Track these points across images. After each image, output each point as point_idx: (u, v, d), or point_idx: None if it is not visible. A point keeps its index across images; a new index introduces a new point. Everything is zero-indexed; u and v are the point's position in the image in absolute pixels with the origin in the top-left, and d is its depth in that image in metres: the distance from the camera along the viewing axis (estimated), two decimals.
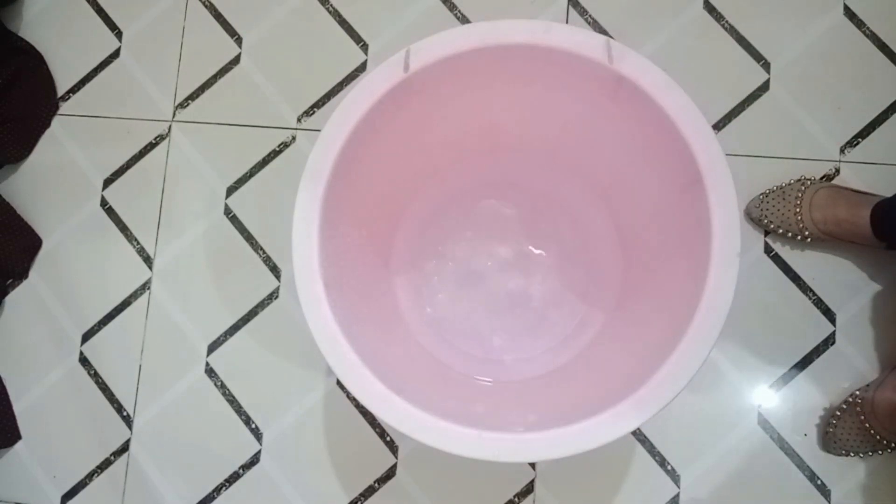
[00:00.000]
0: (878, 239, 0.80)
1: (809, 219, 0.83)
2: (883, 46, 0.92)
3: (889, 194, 0.81)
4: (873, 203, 0.81)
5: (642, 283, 0.79)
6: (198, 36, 1.01)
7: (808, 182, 0.86)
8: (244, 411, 0.92)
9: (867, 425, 0.80)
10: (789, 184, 0.87)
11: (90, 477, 0.93)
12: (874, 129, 0.90)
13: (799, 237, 0.85)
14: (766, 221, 0.86)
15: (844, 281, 0.88)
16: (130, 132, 1.00)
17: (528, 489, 0.87)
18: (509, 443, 0.58)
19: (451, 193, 0.89)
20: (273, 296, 0.94)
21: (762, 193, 0.88)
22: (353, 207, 0.73)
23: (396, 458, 0.89)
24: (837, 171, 0.90)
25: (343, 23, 0.99)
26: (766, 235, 0.89)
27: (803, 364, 0.87)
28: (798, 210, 0.84)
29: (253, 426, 0.92)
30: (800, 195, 0.84)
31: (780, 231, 0.86)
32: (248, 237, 0.96)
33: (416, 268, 0.88)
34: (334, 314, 0.62)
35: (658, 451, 0.87)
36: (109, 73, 1.02)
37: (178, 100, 1.00)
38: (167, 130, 1.00)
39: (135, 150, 1.00)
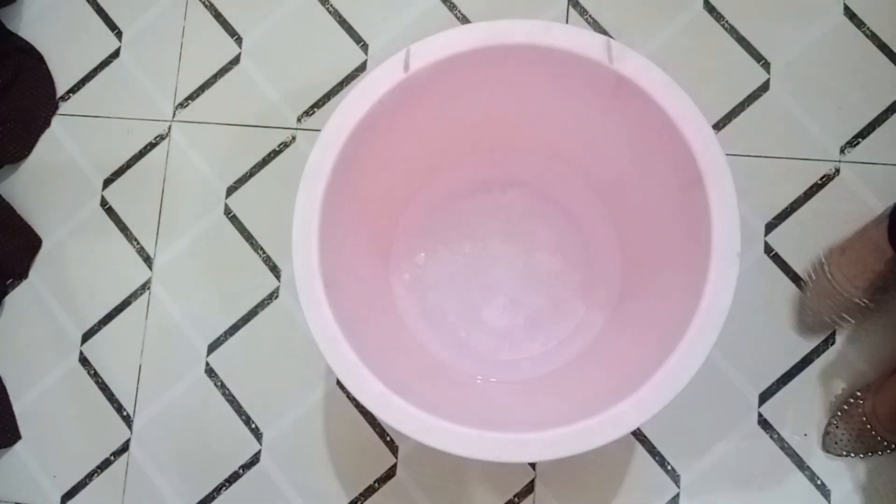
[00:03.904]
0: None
1: (880, 420, 0.80)
2: (883, 46, 0.92)
3: (890, 194, 0.80)
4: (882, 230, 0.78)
5: (642, 283, 0.80)
6: (198, 36, 1.01)
7: (858, 396, 0.83)
8: (244, 411, 0.92)
9: (868, 426, 0.80)
10: (847, 404, 0.83)
11: (90, 477, 0.93)
12: (874, 129, 0.90)
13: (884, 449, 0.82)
14: (845, 453, 0.84)
15: None
16: (130, 132, 1.00)
17: (528, 489, 0.87)
18: (509, 443, 0.58)
19: (451, 193, 0.89)
20: (273, 296, 0.94)
21: (830, 424, 0.84)
22: (353, 208, 0.73)
23: (396, 458, 0.89)
24: (837, 171, 0.90)
25: (343, 23, 0.99)
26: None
27: (803, 364, 0.87)
28: (868, 425, 0.81)
29: (253, 426, 0.92)
30: (860, 407, 0.82)
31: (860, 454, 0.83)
32: (248, 237, 0.96)
33: (415, 267, 0.88)
34: (334, 314, 0.62)
35: (658, 451, 0.87)
36: (109, 73, 1.02)
37: (178, 100, 1.00)
38: (167, 130, 1.00)
39: (135, 150, 1.00)
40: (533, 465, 0.88)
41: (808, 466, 0.85)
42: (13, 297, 0.98)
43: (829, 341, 0.87)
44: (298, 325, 0.93)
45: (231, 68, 1.00)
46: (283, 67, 0.99)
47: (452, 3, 0.98)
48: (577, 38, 0.64)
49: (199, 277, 0.96)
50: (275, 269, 0.95)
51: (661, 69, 0.63)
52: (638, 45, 0.94)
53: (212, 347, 0.94)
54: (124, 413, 0.94)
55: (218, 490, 0.91)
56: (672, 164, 0.66)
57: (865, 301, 0.81)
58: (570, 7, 0.96)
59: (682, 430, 0.86)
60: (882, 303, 0.82)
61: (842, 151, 0.90)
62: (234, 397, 0.93)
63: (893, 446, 0.81)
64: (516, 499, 0.87)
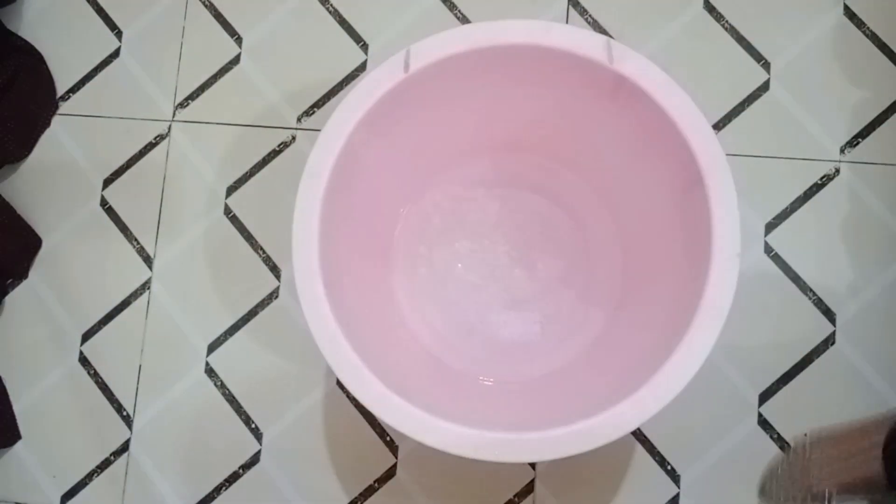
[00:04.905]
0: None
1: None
2: (883, 46, 0.92)
3: (890, 194, 0.80)
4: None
5: (642, 284, 0.80)
6: (198, 36, 1.01)
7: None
8: (244, 411, 0.92)
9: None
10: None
11: (90, 477, 0.93)
12: (874, 129, 0.90)
13: None
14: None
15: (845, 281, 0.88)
16: (130, 132, 1.00)
17: (528, 489, 0.87)
18: (509, 443, 0.58)
19: (451, 193, 0.89)
20: (273, 296, 0.94)
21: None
22: (354, 207, 0.73)
23: (396, 458, 0.89)
24: (837, 171, 0.90)
25: (343, 23, 0.99)
26: None
27: (803, 364, 0.87)
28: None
29: (253, 426, 0.92)
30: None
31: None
32: (248, 237, 0.96)
33: (415, 267, 0.88)
34: (334, 314, 0.62)
35: (658, 451, 0.87)
36: (109, 73, 1.02)
37: (178, 100, 1.00)
38: (167, 130, 1.00)
39: (135, 150, 1.00)
40: (533, 465, 0.88)
41: None
42: (13, 297, 0.98)
43: (829, 341, 0.87)
44: (298, 325, 0.93)
45: (231, 68, 1.00)
46: (283, 67, 0.99)
47: (452, 3, 0.98)
48: (577, 39, 0.64)
49: (199, 277, 0.96)
50: (275, 269, 0.95)
51: (661, 69, 0.63)
52: (638, 45, 0.93)
53: (212, 347, 0.94)
54: (124, 413, 0.94)
55: (218, 490, 0.91)
56: (672, 164, 0.66)
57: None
58: (570, 7, 0.96)
59: (682, 430, 0.86)
60: None
61: (842, 151, 0.90)
62: (234, 397, 0.93)
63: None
64: (516, 499, 0.87)
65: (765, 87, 0.92)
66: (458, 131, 0.82)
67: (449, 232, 0.88)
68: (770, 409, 0.86)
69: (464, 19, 0.98)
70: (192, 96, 1.00)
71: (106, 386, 0.95)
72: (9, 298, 0.98)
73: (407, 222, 0.89)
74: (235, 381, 0.93)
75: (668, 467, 0.86)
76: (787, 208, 0.90)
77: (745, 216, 0.90)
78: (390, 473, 0.89)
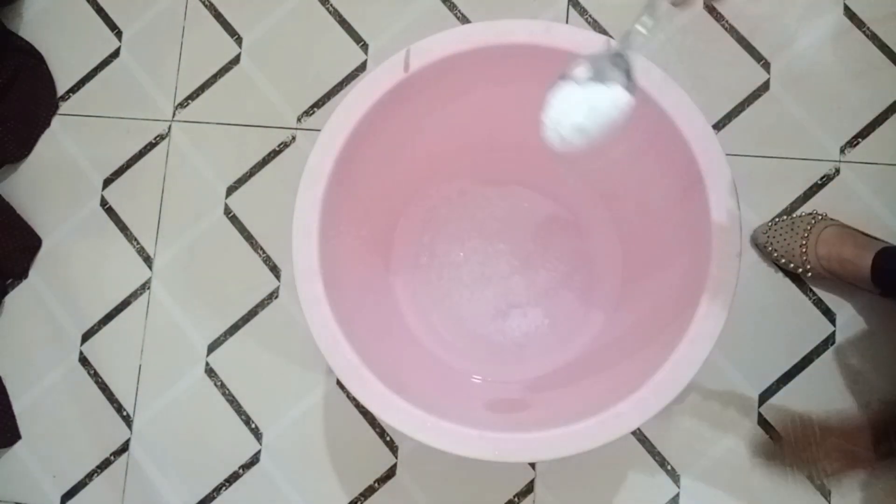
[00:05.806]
0: (874, 284, 0.79)
1: (814, 254, 0.83)
2: (883, 46, 0.92)
3: (890, 194, 0.81)
4: (878, 248, 0.79)
5: (642, 283, 0.80)
6: (198, 36, 1.01)
7: (819, 217, 0.85)
8: (244, 411, 0.92)
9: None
10: (800, 216, 0.86)
11: (90, 477, 0.93)
12: (874, 129, 0.90)
13: (801, 270, 0.85)
14: (770, 249, 0.86)
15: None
16: (130, 132, 1.00)
17: (528, 489, 0.87)
18: (509, 443, 0.58)
19: (451, 193, 0.89)
20: (273, 296, 0.94)
21: (771, 220, 0.88)
22: (353, 207, 0.73)
23: (396, 458, 0.89)
24: (837, 171, 0.90)
25: (343, 23, 0.99)
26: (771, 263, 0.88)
27: (803, 364, 0.87)
28: (804, 243, 0.83)
29: (253, 426, 0.92)
30: (808, 228, 0.84)
31: (783, 261, 0.85)
32: (248, 237, 0.96)
33: (415, 267, 0.88)
34: (334, 314, 0.62)
35: (658, 451, 0.87)
36: (109, 73, 1.02)
37: (178, 100, 1.00)
38: (167, 130, 1.00)
39: (135, 150, 1.00)
40: (533, 465, 0.88)
41: None
42: (13, 297, 0.98)
43: (829, 341, 0.87)
44: (298, 325, 0.93)
45: (231, 68, 1.00)
46: (283, 67, 0.99)
47: (452, 3, 0.98)
48: (577, 38, 0.64)
49: (199, 277, 0.96)
50: (275, 269, 0.95)
51: (661, 69, 0.63)
52: (638, 45, 0.93)
53: (212, 347, 0.94)
54: (124, 413, 0.94)
55: (218, 490, 0.91)
56: (672, 164, 0.66)
57: (800, 269, 0.85)
58: (570, 7, 0.96)
59: (682, 430, 0.86)
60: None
61: (842, 151, 0.90)
62: (234, 397, 0.93)
63: (809, 274, 0.84)
64: (516, 499, 0.87)
65: (765, 87, 0.92)
66: (457, 131, 0.82)
67: (449, 231, 0.88)
68: (770, 409, 0.86)
69: (464, 19, 0.98)
70: (192, 96, 1.00)
71: (106, 386, 0.95)
72: (9, 298, 0.98)
73: (407, 221, 0.89)
74: (235, 381, 0.93)
75: (668, 467, 0.86)
76: (787, 208, 0.90)
77: (745, 216, 0.90)
78: (390, 473, 0.89)
